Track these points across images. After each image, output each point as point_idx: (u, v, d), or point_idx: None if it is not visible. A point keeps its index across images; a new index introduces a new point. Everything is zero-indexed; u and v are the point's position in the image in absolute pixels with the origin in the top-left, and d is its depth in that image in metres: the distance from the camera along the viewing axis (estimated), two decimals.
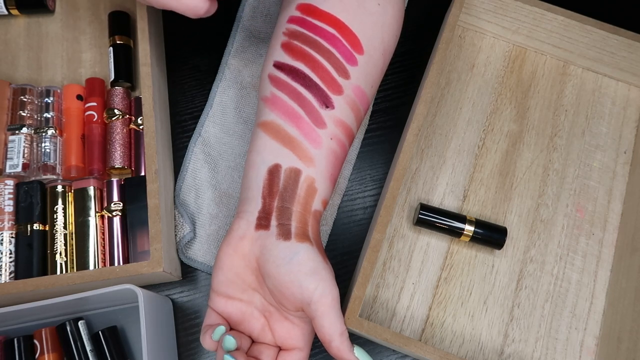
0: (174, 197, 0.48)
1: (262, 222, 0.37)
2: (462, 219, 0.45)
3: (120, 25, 0.51)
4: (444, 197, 0.48)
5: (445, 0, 0.52)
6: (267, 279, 0.37)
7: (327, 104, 0.39)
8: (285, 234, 0.37)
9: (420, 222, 0.45)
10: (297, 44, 0.39)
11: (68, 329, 0.41)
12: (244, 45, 0.53)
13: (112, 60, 0.50)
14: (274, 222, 0.37)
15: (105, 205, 0.45)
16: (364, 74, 0.40)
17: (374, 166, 0.50)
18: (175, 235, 0.46)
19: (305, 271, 0.35)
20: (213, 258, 0.46)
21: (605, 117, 0.51)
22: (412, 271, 0.46)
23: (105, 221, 0.45)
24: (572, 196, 0.49)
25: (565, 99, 0.52)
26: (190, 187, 0.48)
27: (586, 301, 0.46)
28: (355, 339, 0.45)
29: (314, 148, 0.38)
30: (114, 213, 0.45)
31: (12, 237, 0.44)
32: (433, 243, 0.47)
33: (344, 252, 0.47)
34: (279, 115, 0.39)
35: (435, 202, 0.48)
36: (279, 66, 0.40)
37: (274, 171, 0.38)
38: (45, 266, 0.44)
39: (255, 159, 0.39)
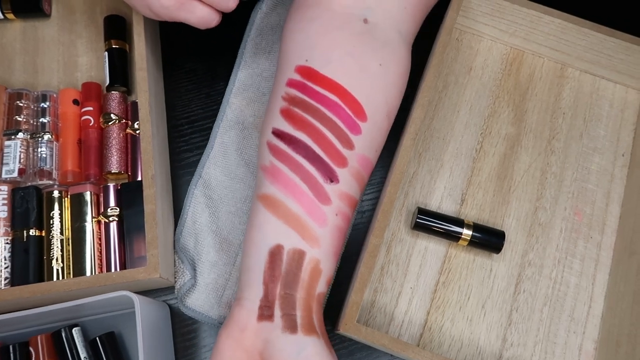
0: (174, 241, 0.46)
1: (265, 313, 0.35)
2: (460, 222, 0.45)
3: (115, 29, 0.51)
4: (442, 201, 0.48)
5: (443, 3, 0.52)
6: None
7: (331, 178, 0.36)
8: (291, 326, 0.34)
9: (418, 226, 0.45)
10: (298, 111, 0.37)
11: (63, 335, 0.41)
12: (246, 83, 0.51)
13: (107, 64, 0.49)
14: (277, 312, 0.34)
15: (102, 210, 0.45)
16: (368, 141, 0.38)
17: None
18: (175, 281, 0.45)
19: None
20: (211, 308, 0.44)
21: (603, 120, 0.51)
22: (410, 275, 0.46)
23: (102, 226, 0.45)
24: (570, 199, 0.49)
25: (563, 102, 0.52)
26: (190, 232, 0.46)
27: (585, 305, 0.46)
28: (352, 344, 0.45)
29: (319, 227, 0.36)
30: (110, 218, 0.45)
31: (7, 243, 0.44)
32: (431, 247, 0.47)
33: (342, 257, 0.47)
34: (279, 189, 0.36)
35: (433, 206, 0.48)
36: (279, 134, 0.38)
37: (275, 253, 0.35)
38: (42, 272, 0.43)
39: (256, 237, 0.36)
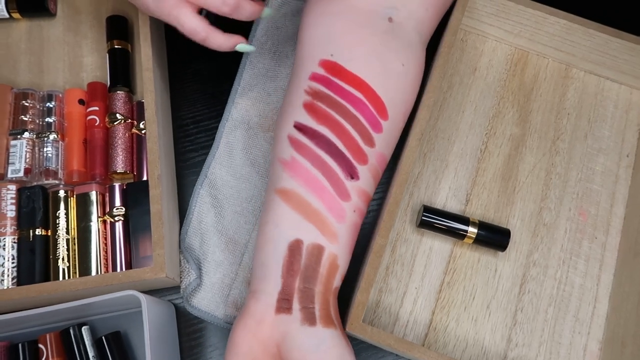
0: (179, 241, 0.46)
1: (284, 305, 0.35)
2: (466, 220, 0.45)
3: (117, 29, 0.51)
4: (447, 201, 0.48)
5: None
6: None
7: (352, 174, 0.37)
8: (310, 319, 0.34)
9: (423, 224, 0.45)
10: (321, 105, 0.37)
11: (72, 334, 0.41)
12: (251, 83, 0.51)
13: (108, 65, 0.49)
14: (296, 305, 0.35)
15: (108, 210, 0.45)
16: (387, 140, 0.39)
17: None
18: (181, 281, 0.45)
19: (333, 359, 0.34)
20: (217, 307, 0.44)
21: (607, 121, 0.51)
22: (415, 275, 0.46)
23: (108, 226, 0.45)
24: (574, 200, 0.49)
25: (567, 102, 0.52)
26: (196, 231, 0.46)
27: (589, 305, 0.46)
28: (358, 343, 0.45)
29: (338, 222, 0.36)
30: (116, 218, 0.45)
31: (14, 243, 0.44)
32: (436, 247, 0.47)
33: None
34: (300, 184, 0.36)
35: (438, 206, 0.48)
36: (301, 128, 0.37)
37: (294, 248, 0.35)
38: (48, 271, 0.44)
39: (273, 232, 0.36)
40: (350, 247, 0.38)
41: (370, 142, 0.37)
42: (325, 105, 0.37)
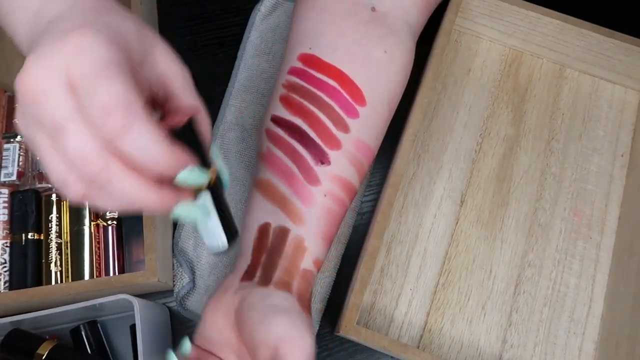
0: (173, 244, 0.46)
1: (248, 274, 0.37)
2: None
3: None
4: (442, 202, 0.48)
5: (442, 4, 0.52)
6: (242, 329, 0.33)
7: (322, 160, 0.37)
8: (265, 281, 0.35)
9: None
10: (296, 97, 0.38)
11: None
12: (245, 85, 0.50)
13: None
14: (258, 273, 0.36)
15: (101, 214, 0.45)
16: (366, 126, 0.39)
17: (371, 171, 0.50)
18: (174, 285, 0.45)
19: (277, 312, 0.32)
20: None
21: (602, 120, 0.51)
22: (409, 277, 0.46)
23: (101, 230, 0.45)
24: (569, 200, 0.49)
25: (561, 103, 0.52)
26: (190, 234, 0.46)
27: (584, 305, 0.46)
28: (353, 345, 0.45)
29: (305, 206, 0.37)
30: (109, 222, 0.44)
31: (6, 247, 0.44)
32: (430, 248, 0.47)
33: (342, 258, 0.47)
34: (273, 173, 0.38)
35: (433, 207, 0.48)
36: (277, 121, 0.38)
37: (263, 230, 0.37)
38: (40, 275, 0.43)
39: (248, 217, 0.39)
40: (325, 232, 0.38)
41: (344, 127, 0.38)
42: (299, 97, 0.38)
